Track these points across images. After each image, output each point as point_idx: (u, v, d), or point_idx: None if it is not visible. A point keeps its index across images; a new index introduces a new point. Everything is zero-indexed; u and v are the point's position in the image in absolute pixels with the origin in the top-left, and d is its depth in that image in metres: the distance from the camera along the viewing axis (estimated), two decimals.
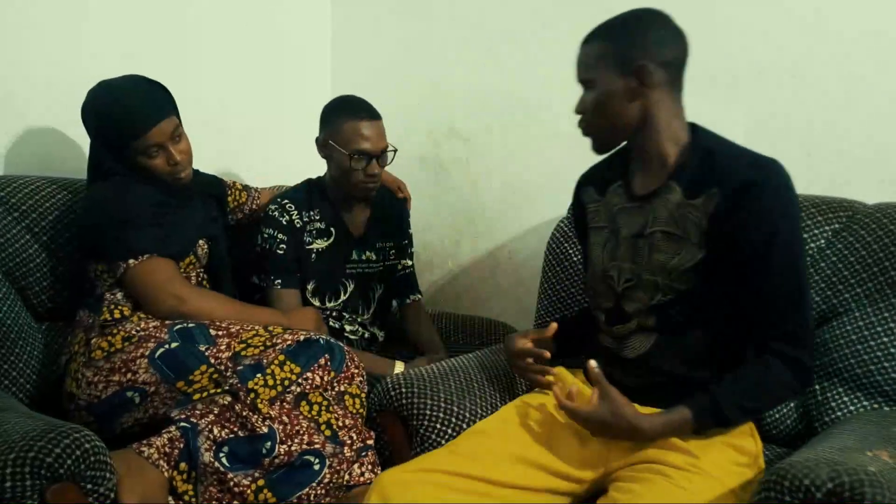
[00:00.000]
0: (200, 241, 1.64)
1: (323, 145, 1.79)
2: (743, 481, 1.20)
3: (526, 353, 1.38)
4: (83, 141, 1.78)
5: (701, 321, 1.25)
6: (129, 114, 1.50)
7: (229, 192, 1.84)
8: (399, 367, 1.70)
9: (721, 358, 1.26)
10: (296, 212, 1.79)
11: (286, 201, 1.80)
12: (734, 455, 1.22)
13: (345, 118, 1.75)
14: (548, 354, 1.36)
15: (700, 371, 1.26)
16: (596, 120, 1.28)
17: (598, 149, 1.33)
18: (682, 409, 1.19)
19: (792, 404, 1.50)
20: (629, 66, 1.23)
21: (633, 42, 1.24)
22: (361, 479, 1.44)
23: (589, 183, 1.45)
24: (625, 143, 1.32)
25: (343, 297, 1.85)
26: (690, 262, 1.23)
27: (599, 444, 1.26)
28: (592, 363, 1.24)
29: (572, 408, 1.23)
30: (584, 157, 1.47)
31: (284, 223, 1.77)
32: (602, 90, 1.25)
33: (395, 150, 1.80)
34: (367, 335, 1.92)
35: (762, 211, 1.18)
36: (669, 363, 1.28)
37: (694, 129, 1.31)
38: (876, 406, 1.41)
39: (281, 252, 1.76)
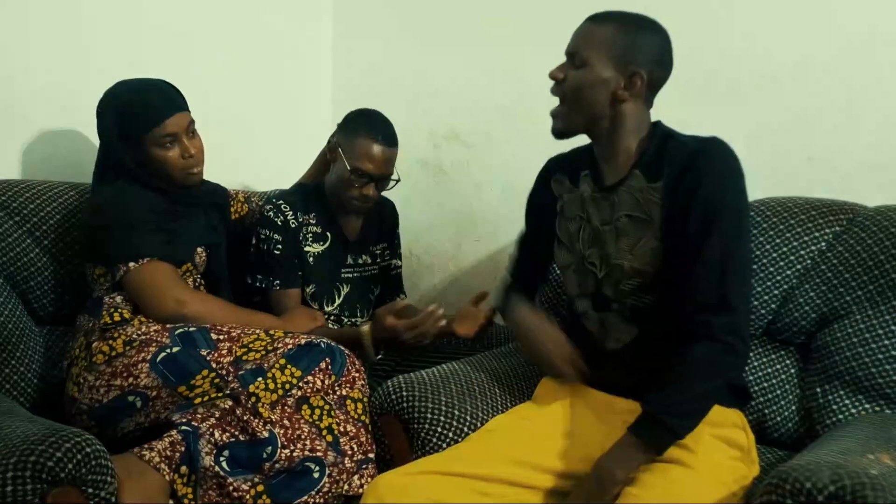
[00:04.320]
0: (199, 249, 1.64)
1: (332, 149, 1.80)
2: (737, 475, 1.21)
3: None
4: (85, 146, 1.79)
5: (672, 313, 1.24)
6: (147, 104, 1.55)
7: (232, 203, 1.85)
8: (365, 330, 1.66)
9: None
10: (291, 212, 1.79)
11: (281, 202, 1.80)
12: (726, 448, 1.23)
13: (361, 133, 1.73)
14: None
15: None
16: (570, 98, 1.29)
17: (559, 131, 1.33)
18: (628, 435, 1.17)
19: (794, 406, 1.50)
20: (625, 66, 1.25)
21: (640, 47, 1.26)
22: (360, 490, 1.43)
23: (561, 171, 1.45)
24: (586, 134, 1.34)
25: (338, 301, 1.85)
26: (655, 244, 1.25)
27: (595, 443, 1.26)
28: None
29: None
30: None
31: (280, 223, 1.77)
32: (591, 73, 1.26)
33: (398, 180, 1.79)
34: None
35: (706, 176, 1.21)
36: (649, 358, 1.28)
37: (655, 124, 1.34)
38: (877, 409, 1.41)
39: (278, 252, 1.77)
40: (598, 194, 1.34)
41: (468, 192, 2.30)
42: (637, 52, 1.25)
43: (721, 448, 1.22)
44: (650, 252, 1.26)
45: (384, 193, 1.97)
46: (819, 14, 1.72)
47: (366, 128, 1.74)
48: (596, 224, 1.34)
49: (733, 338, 1.17)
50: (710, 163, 1.22)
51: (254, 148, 2.24)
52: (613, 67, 1.25)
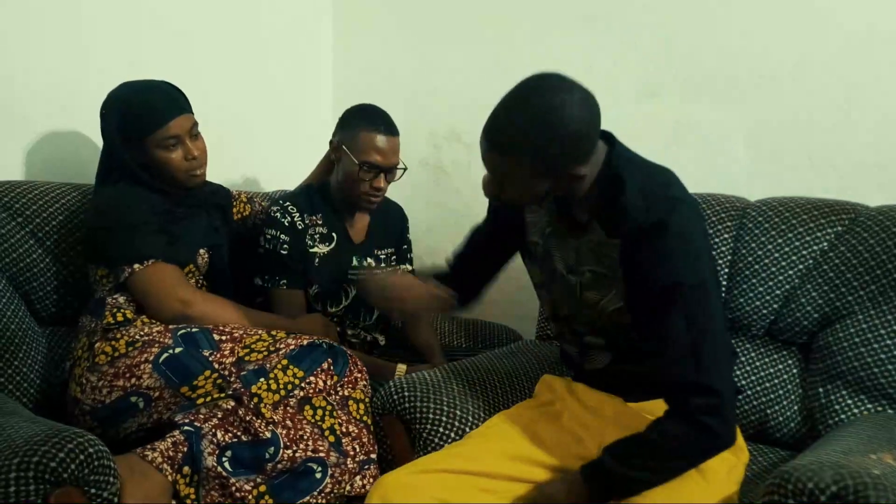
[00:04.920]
0: (201, 251, 1.64)
1: (336, 148, 1.80)
2: (726, 465, 1.21)
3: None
4: (87, 147, 1.79)
5: (646, 352, 1.22)
6: (150, 105, 1.55)
7: (234, 204, 1.85)
8: (402, 369, 1.70)
9: None
10: (297, 213, 1.79)
11: (287, 203, 1.80)
12: None
13: (363, 127, 1.74)
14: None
15: (656, 392, 1.24)
16: (515, 198, 1.20)
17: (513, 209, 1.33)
18: (577, 474, 1.17)
19: (796, 406, 1.51)
20: (561, 171, 1.15)
21: (554, 151, 1.12)
22: (363, 491, 1.43)
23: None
24: None
25: (345, 303, 1.85)
26: (620, 304, 1.23)
27: (590, 440, 1.27)
28: None
29: None
30: None
31: (286, 224, 1.77)
32: (530, 191, 1.17)
33: (405, 169, 1.80)
34: (368, 339, 1.92)
35: (662, 258, 1.13)
36: (626, 382, 1.30)
37: (610, 147, 1.22)
38: (880, 409, 1.41)
39: (284, 252, 1.77)
40: (561, 228, 1.28)
41: (468, 193, 2.30)
42: (553, 159, 1.12)
43: None
44: (617, 311, 1.24)
45: (393, 198, 1.98)
46: (818, 13, 1.72)
47: (366, 121, 1.75)
48: (561, 269, 1.30)
49: (715, 420, 1.11)
50: (664, 241, 1.13)
51: (255, 148, 2.24)
52: (548, 178, 1.15)
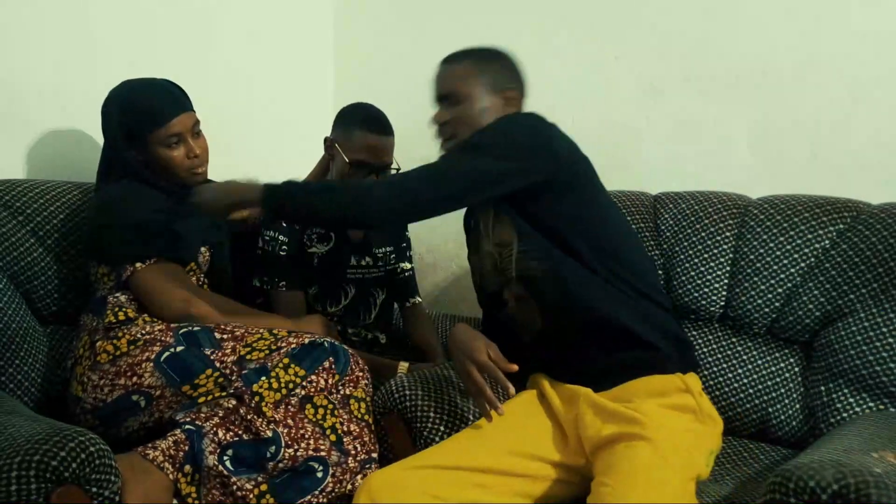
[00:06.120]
0: (202, 249, 1.64)
1: (329, 146, 1.80)
2: (695, 439, 1.22)
3: (488, 368, 1.27)
4: (88, 145, 1.79)
5: (551, 267, 1.29)
6: (153, 103, 1.55)
7: None
8: (403, 367, 1.70)
9: (595, 295, 1.29)
10: None
11: None
12: (676, 416, 1.23)
13: (356, 126, 1.74)
14: (512, 391, 1.26)
15: (588, 315, 1.28)
16: (463, 130, 1.38)
17: None
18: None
19: (798, 405, 1.50)
20: (499, 89, 1.39)
21: (500, 70, 1.41)
22: None
23: None
24: None
25: (344, 302, 1.85)
26: (492, 208, 1.35)
27: (570, 433, 1.28)
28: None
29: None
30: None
31: (284, 224, 1.77)
32: (474, 104, 1.38)
33: (398, 169, 1.79)
34: (369, 337, 1.92)
35: None
36: (560, 328, 1.32)
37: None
38: (881, 407, 1.41)
39: (283, 254, 1.77)
40: None
41: None
42: (501, 75, 1.40)
43: (670, 416, 1.23)
44: (499, 223, 1.34)
45: None
46: (821, 12, 1.72)
47: (360, 120, 1.75)
48: (480, 222, 1.42)
49: (385, 191, 1.29)
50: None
51: (255, 146, 2.24)
52: (489, 93, 1.38)
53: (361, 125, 1.74)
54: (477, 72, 1.39)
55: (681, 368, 1.29)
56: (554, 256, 1.30)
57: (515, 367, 1.28)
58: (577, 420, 1.28)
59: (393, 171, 1.79)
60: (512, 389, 1.26)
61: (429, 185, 1.28)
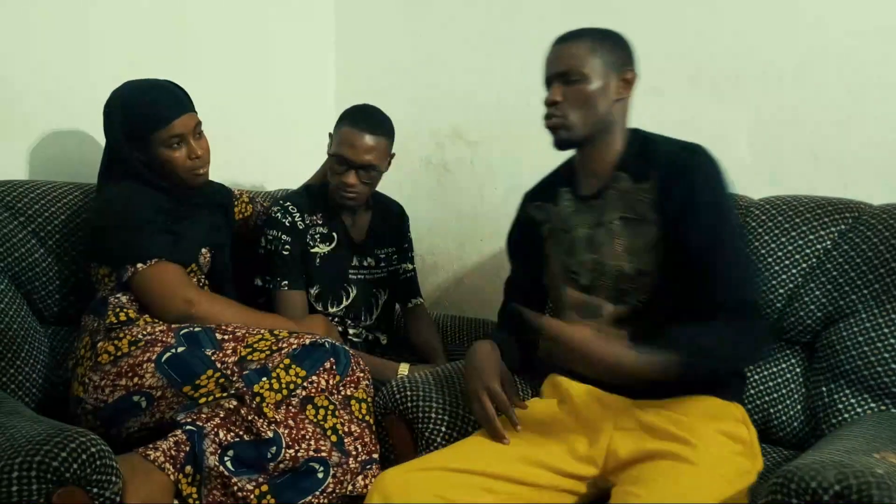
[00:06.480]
0: (203, 250, 1.64)
1: (328, 145, 1.81)
2: (740, 470, 1.21)
3: (499, 399, 1.29)
4: (89, 146, 1.79)
5: (662, 314, 1.26)
6: (155, 104, 1.55)
7: (236, 203, 1.85)
8: (404, 368, 1.70)
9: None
10: (298, 214, 1.79)
11: (288, 203, 1.80)
12: (727, 443, 1.22)
13: (345, 123, 1.75)
14: (519, 428, 1.28)
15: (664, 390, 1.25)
16: (576, 112, 1.32)
17: (566, 142, 1.35)
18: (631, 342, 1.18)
19: (799, 406, 1.50)
20: (617, 70, 1.33)
21: (619, 50, 1.35)
22: (365, 490, 1.43)
23: (538, 198, 1.48)
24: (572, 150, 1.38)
25: (346, 303, 1.85)
26: (650, 240, 1.28)
27: (601, 438, 1.26)
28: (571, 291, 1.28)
29: (555, 325, 1.16)
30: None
31: (287, 224, 1.77)
32: (591, 84, 1.31)
33: (381, 172, 1.77)
34: (370, 337, 1.92)
35: (702, 185, 1.26)
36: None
37: (632, 129, 1.39)
38: (883, 408, 1.40)
39: (286, 253, 1.77)
40: (582, 204, 1.37)
41: (472, 192, 2.30)
42: (618, 55, 1.34)
43: (722, 442, 1.22)
44: (651, 253, 1.28)
45: (394, 196, 1.97)
46: (822, 11, 1.71)
47: (351, 117, 1.76)
48: (584, 231, 1.35)
49: (762, 321, 1.25)
50: (702, 171, 1.28)
51: (256, 147, 2.24)
52: (605, 74, 1.32)
53: (348, 120, 1.75)
54: (595, 51, 1.33)
55: (736, 398, 1.30)
56: (682, 294, 1.26)
57: (526, 406, 1.33)
58: (613, 430, 1.25)
59: (376, 174, 1.75)
60: (519, 427, 1.28)
61: (751, 272, 1.31)
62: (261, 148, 2.26)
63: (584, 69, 1.31)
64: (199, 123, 1.60)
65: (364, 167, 1.73)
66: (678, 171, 1.28)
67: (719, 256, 1.23)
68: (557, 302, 1.40)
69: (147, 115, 1.55)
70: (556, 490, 1.25)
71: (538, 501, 1.24)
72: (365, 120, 1.74)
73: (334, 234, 1.84)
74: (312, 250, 1.81)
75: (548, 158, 1.73)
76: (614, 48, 1.34)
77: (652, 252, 1.28)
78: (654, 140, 1.36)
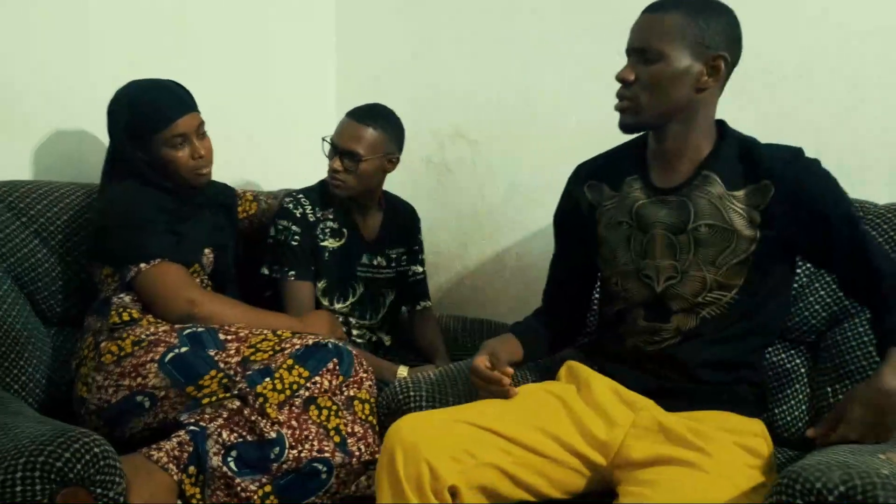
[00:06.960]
0: (206, 251, 1.64)
1: None
2: (754, 482, 1.19)
3: (485, 374, 1.31)
4: (91, 146, 1.79)
5: (741, 327, 1.24)
6: (158, 104, 1.56)
7: (239, 202, 1.85)
8: (403, 371, 1.70)
9: (738, 363, 1.27)
10: (310, 206, 1.80)
11: (301, 195, 1.81)
12: (745, 456, 1.22)
13: (346, 113, 1.80)
14: (508, 380, 1.29)
15: (717, 375, 1.26)
16: (647, 95, 1.21)
17: (630, 126, 1.26)
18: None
19: (804, 406, 1.51)
20: (704, 52, 1.19)
21: (714, 28, 1.19)
22: (368, 491, 1.43)
23: (597, 178, 1.39)
24: (653, 130, 1.29)
25: (352, 299, 1.85)
26: (743, 254, 1.22)
27: (616, 430, 1.24)
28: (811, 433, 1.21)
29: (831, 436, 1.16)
30: (590, 157, 1.47)
31: (299, 216, 1.78)
32: (669, 65, 1.18)
33: (360, 160, 1.73)
34: (373, 339, 1.92)
35: (826, 194, 1.22)
36: (691, 363, 1.27)
37: (719, 122, 1.29)
38: None
39: (295, 244, 1.77)
40: (656, 198, 1.29)
41: (473, 191, 2.29)
42: (713, 35, 1.18)
43: (740, 454, 1.21)
44: (737, 265, 1.23)
45: (403, 196, 1.97)
46: (824, 11, 1.71)
47: (352, 108, 1.80)
48: (661, 232, 1.27)
49: None
50: (826, 182, 1.24)
51: (258, 147, 2.24)
52: (692, 55, 1.18)
53: (348, 110, 1.79)
54: (685, 28, 1.17)
55: (756, 413, 1.29)
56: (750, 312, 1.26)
57: (512, 371, 1.30)
58: (630, 426, 1.24)
59: (353, 164, 1.73)
60: (514, 392, 1.27)
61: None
62: (261, 148, 2.25)
63: (664, 48, 1.18)
64: (202, 123, 1.60)
65: (347, 153, 1.74)
66: (797, 184, 1.21)
67: (870, 254, 1.21)
68: (623, 295, 1.32)
69: (150, 115, 1.55)
70: (564, 466, 1.24)
71: (547, 472, 1.23)
72: (359, 110, 1.78)
73: (345, 230, 1.84)
74: (322, 244, 1.81)
75: (548, 158, 1.76)
76: (709, 26, 1.18)
77: (741, 266, 1.22)
78: (755, 145, 1.26)
